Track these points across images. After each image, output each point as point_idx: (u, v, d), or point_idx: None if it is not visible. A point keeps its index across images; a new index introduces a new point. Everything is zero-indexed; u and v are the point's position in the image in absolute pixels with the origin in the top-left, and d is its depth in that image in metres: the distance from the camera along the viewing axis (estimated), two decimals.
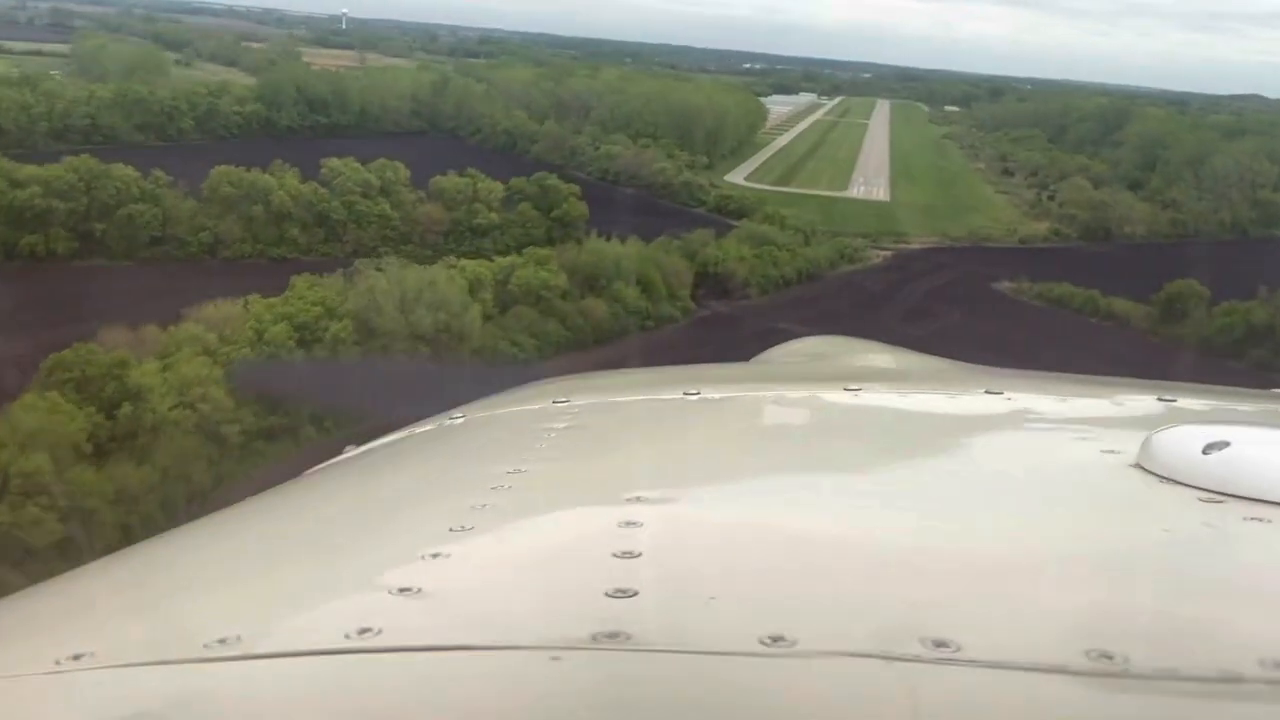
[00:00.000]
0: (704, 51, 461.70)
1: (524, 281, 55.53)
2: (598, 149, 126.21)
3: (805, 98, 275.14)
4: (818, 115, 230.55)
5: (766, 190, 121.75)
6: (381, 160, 76.36)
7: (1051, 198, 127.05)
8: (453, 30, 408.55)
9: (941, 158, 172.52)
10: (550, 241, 75.16)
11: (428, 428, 3.20)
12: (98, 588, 2.01)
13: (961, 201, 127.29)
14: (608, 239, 68.45)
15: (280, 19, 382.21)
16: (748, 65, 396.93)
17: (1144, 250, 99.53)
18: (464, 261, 55.10)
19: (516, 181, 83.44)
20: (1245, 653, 1.25)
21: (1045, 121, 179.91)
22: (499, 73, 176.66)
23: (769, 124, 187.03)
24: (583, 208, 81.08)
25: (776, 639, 1.28)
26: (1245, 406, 2.88)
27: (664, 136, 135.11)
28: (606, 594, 1.44)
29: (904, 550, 1.68)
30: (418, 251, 74.37)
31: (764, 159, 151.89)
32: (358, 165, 74.42)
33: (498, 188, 78.73)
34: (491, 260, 58.33)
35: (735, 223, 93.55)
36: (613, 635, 1.31)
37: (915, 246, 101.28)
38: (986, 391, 2.76)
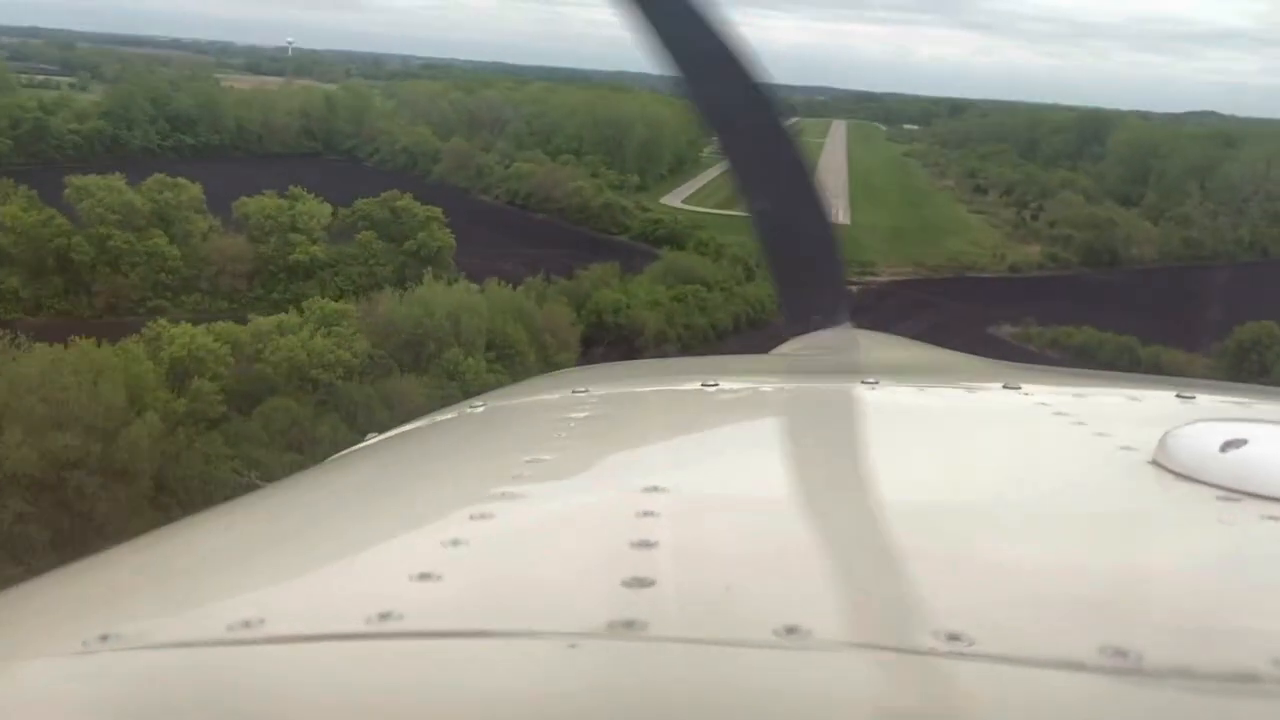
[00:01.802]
0: (660, 78, 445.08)
1: (286, 357, 34.58)
2: (508, 167, 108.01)
3: None
4: None
5: (706, 213, 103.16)
6: (159, 176, 55.53)
7: (1035, 216, 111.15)
8: (404, 59, 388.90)
9: (905, 176, 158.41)
10: (402, 283, 54.93)
11: (449, 416, 3.27)
12: (123, 571, 2.04)
13: (933, 223, 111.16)
14: (453, 280, 48.19)
15: (224, 49, 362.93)
16: None
17: (1163, 277, 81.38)
18: (174, 329, 33.65)
19: (363, 204, 63.09)
20: (1260, 651, 1.27)
21: (1012, 136, 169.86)
22: (407, 87, 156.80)
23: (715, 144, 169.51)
24: (447, 237, 60.86)
25: (791, 630, 1.31)
26: (1265, 405, 2.81)
27: (590, 153, 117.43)
28: (623, 583, 1.46)
29: (919, 543, 1.70)
30: (206, 303, 53.54)
31: (707, 179, 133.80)
32: (120, 185, 53.42)
33: (324, 211, 58.01)
34: (245, 323, 37.07)
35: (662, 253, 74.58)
36: (629, 624, 1.34)
37: (884, 278, 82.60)
38: (1005, 386, 2.83)
